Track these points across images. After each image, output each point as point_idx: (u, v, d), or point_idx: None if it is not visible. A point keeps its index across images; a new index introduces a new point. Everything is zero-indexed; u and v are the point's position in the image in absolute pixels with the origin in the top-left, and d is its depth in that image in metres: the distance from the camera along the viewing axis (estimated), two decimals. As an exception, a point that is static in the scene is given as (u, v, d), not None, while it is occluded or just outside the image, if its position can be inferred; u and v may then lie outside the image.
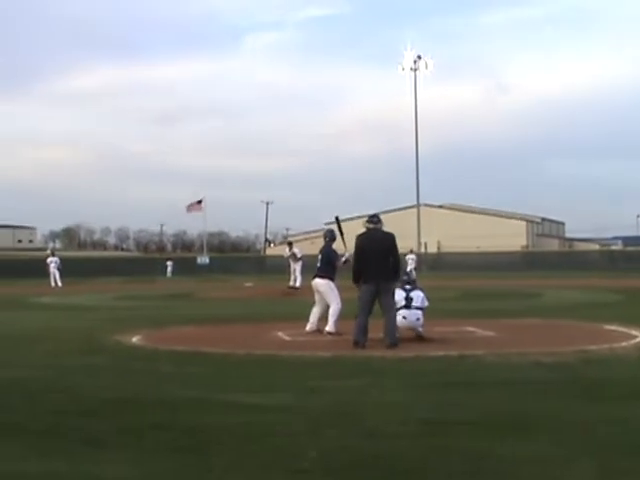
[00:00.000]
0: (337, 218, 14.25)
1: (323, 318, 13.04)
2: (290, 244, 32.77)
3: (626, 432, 5.70)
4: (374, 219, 11.40)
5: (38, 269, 49.74)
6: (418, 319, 11.71)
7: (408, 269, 34.96)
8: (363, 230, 11.37)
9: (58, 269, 41.17)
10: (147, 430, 5.92)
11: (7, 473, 4.96)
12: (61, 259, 43.06)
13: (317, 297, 13.33)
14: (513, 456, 5.07)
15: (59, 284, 39.95)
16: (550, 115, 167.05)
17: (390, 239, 11.27)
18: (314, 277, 13.34)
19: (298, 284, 29.12)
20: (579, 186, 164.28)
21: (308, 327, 13.16)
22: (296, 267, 30.09)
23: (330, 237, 13.60)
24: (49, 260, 42.08)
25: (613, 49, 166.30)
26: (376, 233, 11.31)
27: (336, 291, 13.05)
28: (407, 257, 43.51)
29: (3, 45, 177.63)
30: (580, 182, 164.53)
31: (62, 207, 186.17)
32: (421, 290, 12.05)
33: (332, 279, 13.14)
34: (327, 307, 12.98)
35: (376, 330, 11.13)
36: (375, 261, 11.03)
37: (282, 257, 31.77)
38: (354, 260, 11.43)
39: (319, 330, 12.95)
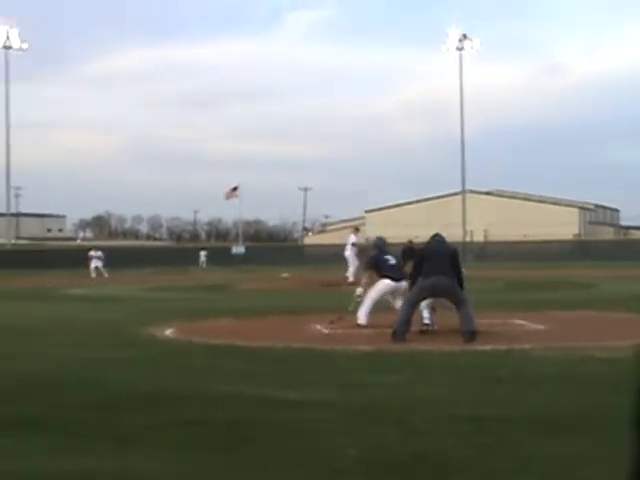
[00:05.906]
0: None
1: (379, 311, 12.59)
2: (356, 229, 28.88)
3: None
4: (437, 237, 11.53)
5: (68, 259, 50.00)
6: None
7: None
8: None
9: (101, 261, 41.71)
10: (180, 426, 5.76)
11: (33, 470, 4.80)
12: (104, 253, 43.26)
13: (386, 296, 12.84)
14: (562, 456, 4.86)
15: (105, 275, 40.17)
16: (602, 97, 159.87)
17: (453, 249, 11.66)
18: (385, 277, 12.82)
19: (350, 275, 25.68)
20: (635, 171, 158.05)
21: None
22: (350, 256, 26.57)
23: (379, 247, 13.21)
24: (92, 254, 42.35)
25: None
26: (440, 242, 11.41)
27: (381, 287, 12.62)
28: None
29: (36, 27, 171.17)
30: (636, 167, 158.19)
31: (92, 194, 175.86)
32: None
33: (386, 277, 12.69)
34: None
35: (416, 323, 10.82)
36: (437, 261, 10.91)
37: (322, 246, 28.83)
38: (413, 267, 11.43)
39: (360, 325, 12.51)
